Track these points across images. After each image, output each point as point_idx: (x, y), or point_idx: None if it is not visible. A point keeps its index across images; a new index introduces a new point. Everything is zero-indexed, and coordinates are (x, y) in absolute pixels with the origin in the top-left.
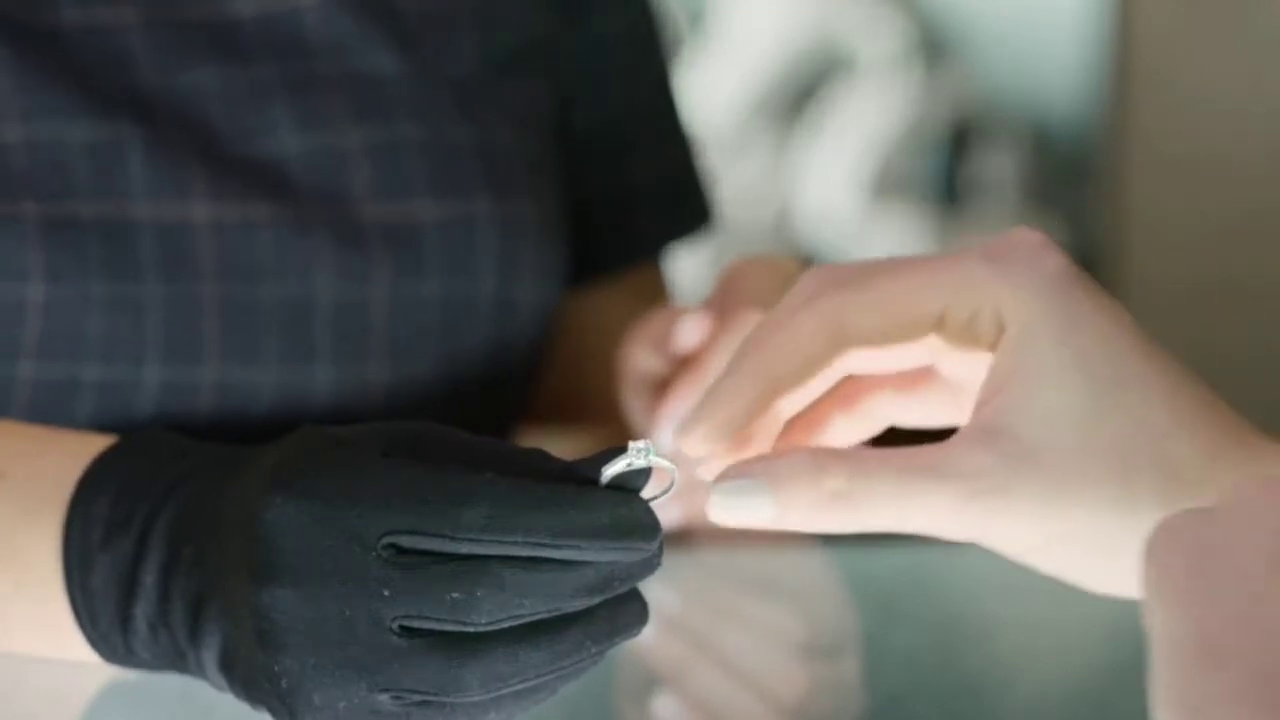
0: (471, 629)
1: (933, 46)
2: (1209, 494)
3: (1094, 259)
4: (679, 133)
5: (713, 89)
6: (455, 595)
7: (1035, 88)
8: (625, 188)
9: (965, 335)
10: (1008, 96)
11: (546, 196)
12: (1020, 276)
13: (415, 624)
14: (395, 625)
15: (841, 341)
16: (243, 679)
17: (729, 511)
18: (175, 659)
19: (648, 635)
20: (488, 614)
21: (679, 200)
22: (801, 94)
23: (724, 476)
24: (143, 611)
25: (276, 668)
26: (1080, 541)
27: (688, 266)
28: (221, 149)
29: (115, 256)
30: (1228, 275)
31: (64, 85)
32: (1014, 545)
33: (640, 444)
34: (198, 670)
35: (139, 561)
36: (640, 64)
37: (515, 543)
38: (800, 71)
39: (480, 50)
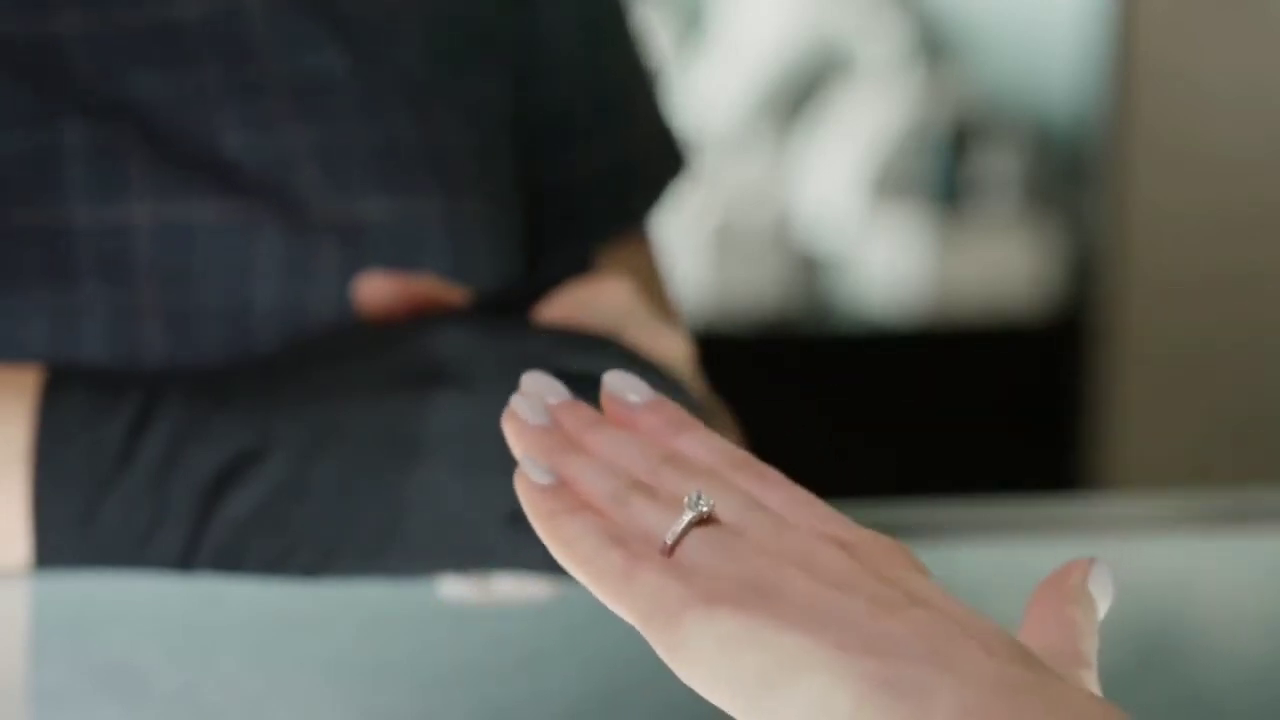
0: None
1: (933, 46)
2: None
3: (1096, 258)
4: (636, 116)
5: (713, 89)
6: None
7: (1035, 88)
8: (574, 176)
9: None
10: (1008, 96)
11: (499, 191)
12: None
13: None
14: None
15: None
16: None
17: (1106, 597)
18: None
19: None
20: None
21: (624, 191)
22: (801, 94)
23: (1088, 572)
24: (143, 465)
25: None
26: None
27: (688, 269)
28: (166, 151)
29: (53, 263)
30: (1231, 273)
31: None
32: None
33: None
34: (173, 525)
35: (140, 429)
36: (596, 43)
37: None
38: (800, 71)
39: (427, 44)
